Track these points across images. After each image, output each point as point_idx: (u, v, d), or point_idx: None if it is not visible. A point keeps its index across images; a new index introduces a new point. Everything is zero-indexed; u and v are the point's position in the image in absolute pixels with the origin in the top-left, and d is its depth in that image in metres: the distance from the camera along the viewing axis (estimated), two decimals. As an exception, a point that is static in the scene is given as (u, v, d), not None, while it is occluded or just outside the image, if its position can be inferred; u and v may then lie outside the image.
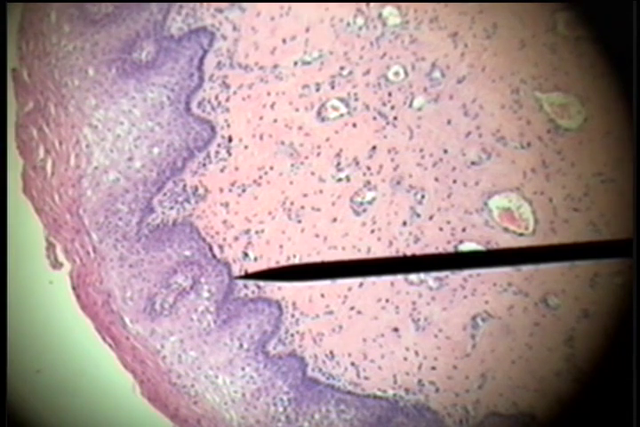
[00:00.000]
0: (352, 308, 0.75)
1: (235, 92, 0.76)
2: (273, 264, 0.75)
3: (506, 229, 0.75)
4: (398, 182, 0.75)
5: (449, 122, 0.75)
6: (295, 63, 0.76)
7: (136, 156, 0.76)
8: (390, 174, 0.75)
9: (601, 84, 0.75)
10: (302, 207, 0.75)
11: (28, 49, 0.77)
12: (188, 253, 0.76)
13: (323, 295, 0.75)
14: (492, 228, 0.75)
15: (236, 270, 0.76)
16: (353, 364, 0.75)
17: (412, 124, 0.76)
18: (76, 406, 0.75)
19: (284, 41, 0.76)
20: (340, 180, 0.75)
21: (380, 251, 0.75)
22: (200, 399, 0.76)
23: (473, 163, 0.75)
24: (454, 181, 0.75)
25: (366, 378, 0.75)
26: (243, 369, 0.75)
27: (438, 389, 0.75)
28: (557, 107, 0.75)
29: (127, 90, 0.76)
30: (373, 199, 0.75)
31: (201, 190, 0.76)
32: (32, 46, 0.77)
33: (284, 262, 0.75)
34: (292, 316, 0.75)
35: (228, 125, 0.76)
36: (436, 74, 0.75)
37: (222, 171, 0.76)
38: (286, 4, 0.75)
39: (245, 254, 0.75)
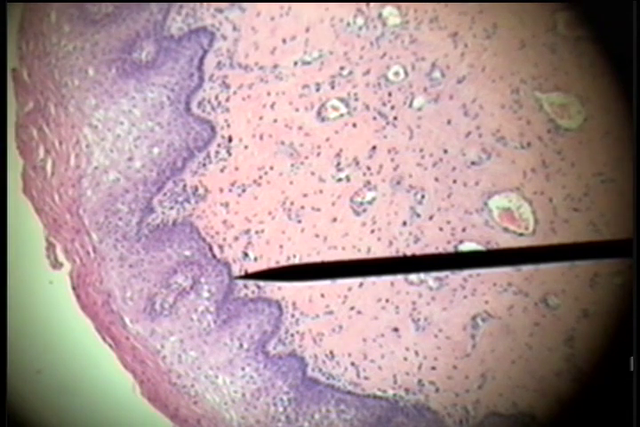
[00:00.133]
0: (352, 308, 0.75)
1: (235, 92, 0.76)
2: (273, 264, 0.75)
3: (506, 229, 0.75)
4: (398, 182, 0.75)
5: (449, 122, 0.75)
6: (295, 63, 0.76)
7: (136, 156, 0.76)
8: (390, 174, 0.75)
9: (601, 83, 0.75)
10: (302, 207, 0.75)
11: (28, 49, 0.77)
12: (187, 253, 0.76)
13: (323, 295, 0.75)
14: (492, 228, 0.75)
15: (236, 270, 0.76)
16: (353, 364, 0.75)
17: (412, 124, 0.76)
18: (76, 406, 0.75)
19: (283, 41, 0.76)
20: (339, 180, 0.75)
21: (380, 251, 0.75)
22: (200, 399, 0.76)
23: (473, 163, 0.75)
24: (454, 181, 0.75)
25: (366, 378, 0.75)
26: (243, 369, 0.75)
27: (438, 389, 0.75)
28: (557, 107, 0.75)
29: (127, 90, 0.76)
30: (373, 199, 0.75)
31: (201, 190, 0.76)
32: (32, 46, 0.77)
33: (284, 262, 0.75)
34: (292, 316, 0.75)
35: (228, 125, 0.76)
36: (436, 74, 0.75)
37: (222, 171, 0.76)
38: (286, 4, 0.75)
39: (245, 254, 0.75)
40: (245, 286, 0.75)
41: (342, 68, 0.76)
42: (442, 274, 0.75)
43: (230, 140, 0.76)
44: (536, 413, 0.75)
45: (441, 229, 0.75)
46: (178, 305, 0.76)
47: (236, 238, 0.76)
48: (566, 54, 0.75)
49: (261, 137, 0.76)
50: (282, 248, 0.75)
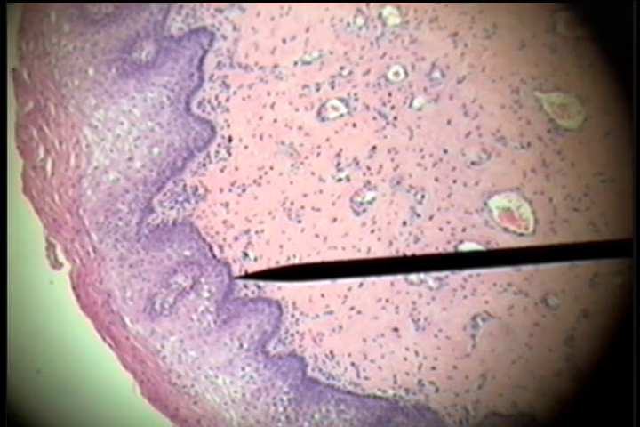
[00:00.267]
0: (352, 308, 0.75)
1: (235, 92, 0.76)
2: (273, 264, 0.75)
3: (506, 229, 0.75)
4: (398, 182, 0.75)
5: (449, 122, 0.75)
6: (295, 63, 0.76)
7: (136, 156, 0.76)
8: (390, 174, 0.75)
9: (601, 83, 0.75)
10: (302, 207, 0.75)
11: (28, 49, 0.77)
12: (187, 253, 0.76)
13: (323, 295, 0.75)
14: (492, 228, 0.75)
15: (236, 270, 0.76)
16: (353, 364, 0.75)
17: (412, 124, 0.76)
18: (76, 406, 0.75)
19: (283, 41, 0.76)
20: (339, 180, 0.75)
21: (380, 251, 0.75)
22: (200, 399, 0.76)
23: (473, 163, 0.75)
24: (454, 181, 0.75)
25: (366, 378, 0.75)
26: (243, 369, 0.75)
27: (438, 389, 0.75)
28: (557, 107, 0.75)
29: (127, 90, 0.76)
30: (373, 199, 0.75)
31: (201, 190, 0.76)
32: (32, 46, 0.77)
33: (284, 262, 0.75)
34: (292, 316, 0.75)
35: (228, 125, 0.76)
36: (436, 74, 0.75)
37: (222, 171, 0.76)
38: (286, 4, 0.75)
39: (245, 254, 0.75)
40: (245, 286, 0.75)
41: (342, 68, 0.76)
42: (442, 274, 0.75)
43: (230, 140, 0.76)
44: (536, 413, 0.75)
45: (441, 229, 0.75)
46: (178, 305, 0.76)
47: (236, 238, 0.76)
48: (566, 54, 0.75)
49: (261, 137, 0.76)
50: (282, 248, 0.75)
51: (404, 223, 0.75)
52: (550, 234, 0.75)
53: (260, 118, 0.76)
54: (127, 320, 0.76)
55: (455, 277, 0.75)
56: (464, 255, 0.75)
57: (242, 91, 0.76)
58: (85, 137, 0.76)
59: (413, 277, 0.75)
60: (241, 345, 0.75)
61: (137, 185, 0.76)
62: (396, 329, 0.75)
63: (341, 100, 0.76)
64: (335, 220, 0.75)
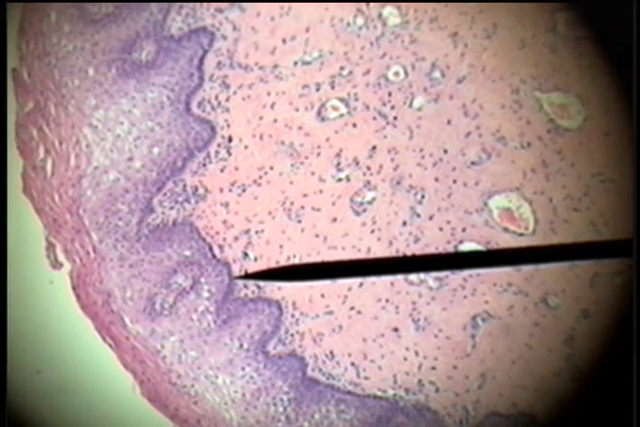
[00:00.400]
0: (352, 308, 0.75)
1: (235, 92, 0.76)
2: (273, 264, 0.75)
3: (506, 229, 0.75)
4: (398, 182, 0.75)
5: (449, 122, 0.75)
6: (295, 63, 0.76)
7: (136, 156, 0.76)
8: (390, 174, 0.75)
9: (601, 84, 0.75)
10: (302, 207, 0.75)
11: (28, 49, 0.77)
12: (187, 253, 0.76)
13: (323, 295, 0.75)
14: (492, 228, 0.75)
15: (236, 270, 0.76)
16: (353, 364, 0.75)
17: (412, 124, 0.76)
18: (76, 406, 0.75)
19: (283, 41, 0.76)
20: (339, 180, 0.75)
21: (380, 251, 0.75)
22: (200, 399, 0.76)
23: (473, 163, 0.75)
24: (454, 181, 0.75)
25: (366, 378, 0.75)
26: (243, 369, 0.75)
27: (438, 389, 0.75)
28: (557, 107, 0.75)
29: (127, 90, 0.76)
30: (373, 199, 0.75)
31: (201, 190, 0.76)
32: (32, 46, 0.77)
33: (284, 262, 0.75)
34: (292, 316, 0.75)
35: (228, 125, 0.76)
36: (436, 74, 0.75)
37: (222, 171, 0.76)
38: (286, 4, 0.75)
39: (245, 254, 0.76)
40: (245, 286, 0.75)
41: (342, 68, 0.76)
42: (442, 274, 0.75)
43: (230, 140, 0.76)
44: (536, 413, 0.75)
45: (441, 229, 0.75)
46: (178, 305, 0.76)
47: (236, 238, 0.76)
48: (566, 54, 0.75)
49: (261, 137, 0.76)
50: (282, 248, 0.75)
51: (404, 223, 0.75)
52: (550, 234, 0.75)
53: (260, 118, 0.76)
54: (127, 320, 0.76)
55: (455, 278, 0.75)
56: (464, 255, 0.75)
57: (242, 91, 0.76)
58: (85, 137, 0.76)
59: (413, 277, 0.75)
60: (241, 345, 0.75)
61: (137, 185, 0.76)
62: (396, 329, 0.75)
63: (341, 100, 0.76)
64: (335, 220, 0.75)
